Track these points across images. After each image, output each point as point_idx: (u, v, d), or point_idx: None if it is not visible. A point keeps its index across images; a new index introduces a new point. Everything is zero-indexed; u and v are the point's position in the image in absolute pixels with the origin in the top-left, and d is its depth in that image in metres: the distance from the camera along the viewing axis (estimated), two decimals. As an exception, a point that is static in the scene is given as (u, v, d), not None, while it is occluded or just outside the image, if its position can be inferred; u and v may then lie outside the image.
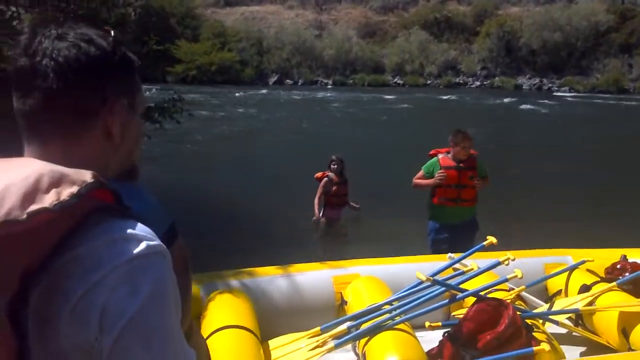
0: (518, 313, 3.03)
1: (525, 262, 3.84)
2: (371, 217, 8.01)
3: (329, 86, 38.99)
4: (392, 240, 6.93)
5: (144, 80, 1.09)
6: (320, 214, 7.32)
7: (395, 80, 39.94)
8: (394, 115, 22.87)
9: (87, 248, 0.79)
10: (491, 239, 3.37)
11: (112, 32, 0.99)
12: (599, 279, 3.90)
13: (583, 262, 4.01)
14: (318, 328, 3.24)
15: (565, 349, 3.25)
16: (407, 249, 4.90)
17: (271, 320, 3.49)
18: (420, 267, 3.68)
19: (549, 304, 3.79)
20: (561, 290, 4.00)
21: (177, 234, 1.10)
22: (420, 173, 5.28)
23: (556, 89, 36.46)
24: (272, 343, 3.24)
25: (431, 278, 3.04)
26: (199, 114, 14.52)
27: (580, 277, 3.94)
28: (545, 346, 2.88)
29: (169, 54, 36.11)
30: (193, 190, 10.00)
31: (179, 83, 34.38)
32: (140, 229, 0.84)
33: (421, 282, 3.15)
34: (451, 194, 5.16)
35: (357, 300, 3.47)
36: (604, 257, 4.20)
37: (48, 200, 0.76)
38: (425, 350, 2.99)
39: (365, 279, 3.74)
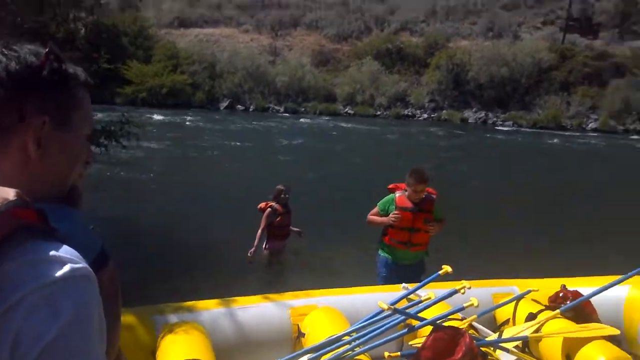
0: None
1: (474, 292, 3.97)
2: (316, 248, 7.97)
3: (281, 113, 38.87)
4: (338, 271, 6.98)
5: (92, 101, 1.06)
6: (264, 246, 7.14)
7: (347, 110, 40.24)
8: (343, 145, 23.07)
9: (5, 269, 0.74)
10: (446, 268, 3.46)
11: (49, 47, 0.96)
12: (543, 307, 4.11)
13: (529, 291, 4.22)
14: (277, 362, 3.23)
15: (513, 375, 3.38)
16: (354, 279, 4.83)
17: (228, 353, 3.44)
18: (377, 297, 3.75)
19: (498, 333, 3.93)
20: (509, 319, 4.17)
21: (107, 258, 1.05)
22: (375, 210, 5.18)
23: (500, 123, 37.54)
24: (231, 377, 3.20)
25: (392, 307, 3.10)
26: (146, 139, 14.27)
27: (526, 306, 4.14)
28: (498, 373, 2.99)
29: (119, 75, 35.20)
30: (137, 218, 9.75)
31: (127, 105, 33.58)
32: (65, 250, 0.80)
33: (379, 312, 3.21)
34: (403, 237, 5.06)
35: (315, 332, 3.47)
36: (547, 286, 4.44)
37: None
38: (385, 379, 3.05)
39: (323, 310, 3.74)
